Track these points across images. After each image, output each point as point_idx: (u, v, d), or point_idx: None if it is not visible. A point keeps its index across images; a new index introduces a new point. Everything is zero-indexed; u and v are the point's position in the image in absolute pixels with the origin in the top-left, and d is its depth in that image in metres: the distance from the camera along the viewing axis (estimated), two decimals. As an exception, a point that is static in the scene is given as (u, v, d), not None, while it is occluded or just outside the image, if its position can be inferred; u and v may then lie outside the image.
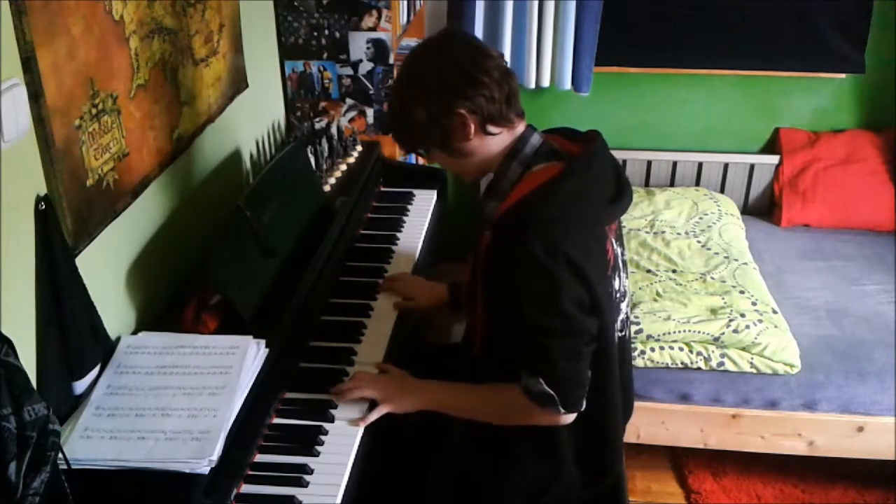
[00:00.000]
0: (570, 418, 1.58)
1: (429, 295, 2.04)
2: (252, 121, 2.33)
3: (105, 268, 1.56)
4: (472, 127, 1.56)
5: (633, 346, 2.44)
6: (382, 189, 2.53)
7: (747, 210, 3.37)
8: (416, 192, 2.52)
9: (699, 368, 2.48)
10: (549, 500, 1.68)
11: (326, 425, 1.59)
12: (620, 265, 1.67)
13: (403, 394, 1.68)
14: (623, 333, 1.70)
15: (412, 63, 1.62)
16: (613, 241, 1.64)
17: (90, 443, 1.35)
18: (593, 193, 1.55)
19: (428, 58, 1.61)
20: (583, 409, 1.57)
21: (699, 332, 2.46)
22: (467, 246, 1.83)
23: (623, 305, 1.69)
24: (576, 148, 1.63)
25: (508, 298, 1.54)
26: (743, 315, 2.50)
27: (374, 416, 1.63)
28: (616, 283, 1.63)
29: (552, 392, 1.52)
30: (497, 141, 1.60)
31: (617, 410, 1.68)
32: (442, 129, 1.57)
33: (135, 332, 1.65)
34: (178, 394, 1.45)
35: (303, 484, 1.46)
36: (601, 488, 1.72)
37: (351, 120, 2.65)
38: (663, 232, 3.01)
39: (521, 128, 1.62)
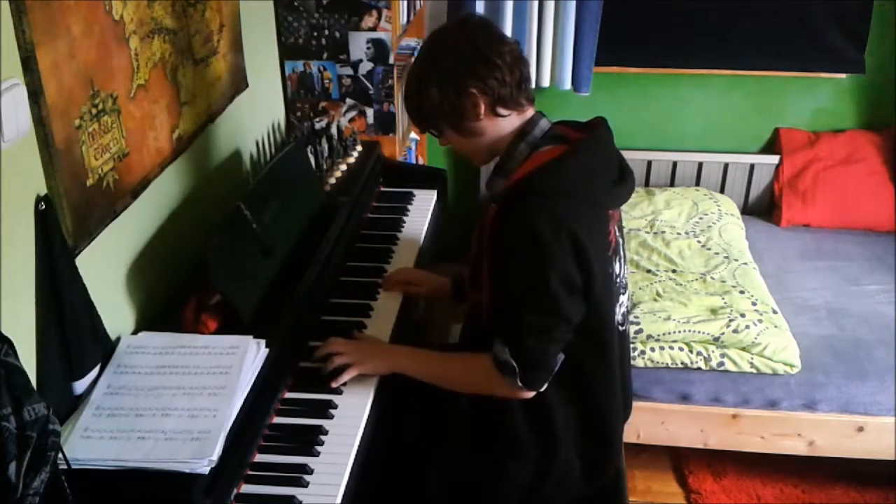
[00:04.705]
0: (527, 395, 1.61)
1: (432, 282, 2.07)
2: (252, 121, 2.33)
3: (105, 268, 1.56)
4: (483, 107, 1.60)
5: (633, 346, 2.44)
6: (382, 189, 2.53)
7: (747, 210, 3.37)
8: (416, 192, 2.52)
9: (699, 368, 2.48)
10: (549, 489, 1.69)
11: (326, 425, 1.59)
12: (622, 252, 1.69)
13: (375, 355, 1.73)
14: (624, 328, 1.72)
15: (430, 44, 1.68)
16: (616, 228, 1.65)
17: (90, 443, 1.35)
18: (598, 174, 1.59)
19: (445, 39, 1.66)
20: (542, 389, 1.60)
21: (699, 332, 2.46)
22: (467, 246, 1.83)
23: (623, 297, 1.70)
24: (581, 135, 1.66)
25: (501, 265, 1.57)
26: (743, 315, 2.49)
27: (344, 377, 1.67)
28: (616, 268, 1.65)
29: (514, 364, 1.55)
30: (507, 123, 1.64)
31: (616, 403, 1.69)
32: (454, 108, 1.61)
33: (135, 332, 1.65)
34: (178, 394, 1.45)
35: (303, 484, 1.46)
36: (601, 482, 1.72)
37: (351, 120, 2.64)
38: (663, 232, 3.00)
39: (530, 112, 1.67)
